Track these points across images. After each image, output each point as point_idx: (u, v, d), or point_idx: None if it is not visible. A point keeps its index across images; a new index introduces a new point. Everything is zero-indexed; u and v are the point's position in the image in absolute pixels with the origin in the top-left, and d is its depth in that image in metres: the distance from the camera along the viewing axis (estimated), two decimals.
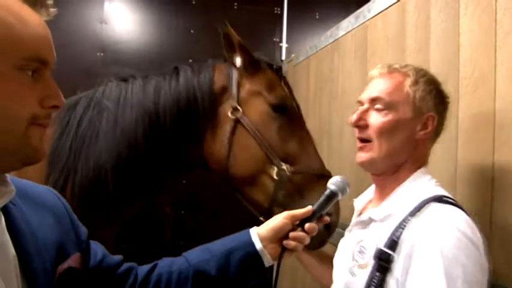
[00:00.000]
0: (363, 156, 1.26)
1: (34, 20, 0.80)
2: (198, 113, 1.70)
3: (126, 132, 1.66)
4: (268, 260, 1.16)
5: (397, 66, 1.27)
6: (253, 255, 1.14)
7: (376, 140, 1.23)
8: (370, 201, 1.38)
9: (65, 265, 0.93)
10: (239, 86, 1.76)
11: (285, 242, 1.17)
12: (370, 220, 1.24)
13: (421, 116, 1.22)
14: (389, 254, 1.08)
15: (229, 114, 1.70)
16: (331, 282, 1.42)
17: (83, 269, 1.00)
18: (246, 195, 1.74)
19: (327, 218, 1.26)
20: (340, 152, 2.25)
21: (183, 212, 3.08)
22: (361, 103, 1.30)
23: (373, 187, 1.39)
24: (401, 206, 1.17)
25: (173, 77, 1.77)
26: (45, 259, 0.89)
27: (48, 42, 0.83)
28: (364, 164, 1.28)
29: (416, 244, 1.04)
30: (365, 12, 2.06)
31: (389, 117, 1.22)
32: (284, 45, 3.34)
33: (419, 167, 1.24)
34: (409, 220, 1.10)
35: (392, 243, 1.09)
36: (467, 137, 1.37)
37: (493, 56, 1.27)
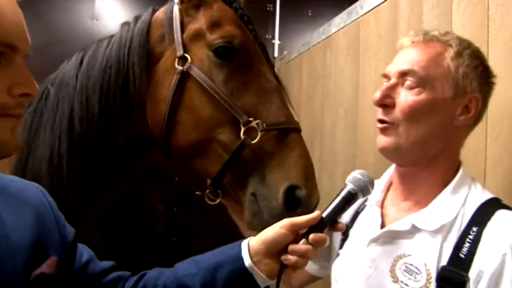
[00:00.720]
0: (384, 140, 1.03)
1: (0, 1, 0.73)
2: (129, 77, 1.38)
3: (59, 119, 1.42)
4: (262, 279, 0.97)
5: (435, 33, 1.04)
6: (242, 272, 0.97)
7: (403, 123, 1.00)
8: (384, 201, 1.13)
9: (38, 271, 0.85)
10: (183, 27, 1.38)
11: (282, 257, 0.96)
12: (415, 230, 0.99)
13: (463, 97, 0.99)
14: (463, 276, 0.87)
15: (176, 65, 1.33)
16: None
17: (58, 274, 0.90)
18: (197, 166, 1.38)
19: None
20: (333, 149, 2.25)
21: (175, 209, 3.07)
22: (387, 77, 1.06)
23: (380, 182, 1.17)
24: (452, 213, 0.96)
25: (111, 39, 1.46)
26: (17, 262, 0.82)
27: (17, 26, 0.75)
28: (386, 151, 1.03)
29: (508, 263, 0.85)
30: (357, 8, 2.06)
31: (423, 96, 0.98)
32: (276, 42, 3.32)
33: (456, 161, 1.05)
34: (474, 232, 0.91)
35: (461, 262, 0.89)
36: None
37: (485, 52, 1.26)
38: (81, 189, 1.42)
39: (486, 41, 1.27)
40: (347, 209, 1.00)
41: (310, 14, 3.39)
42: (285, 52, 3.10)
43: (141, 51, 1.38)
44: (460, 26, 1.38)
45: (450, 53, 1.00)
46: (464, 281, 0.87)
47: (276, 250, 0.97)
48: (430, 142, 1.00)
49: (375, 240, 1.06)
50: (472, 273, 0.87)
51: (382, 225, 1.08)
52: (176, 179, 2.99)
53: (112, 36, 1.50)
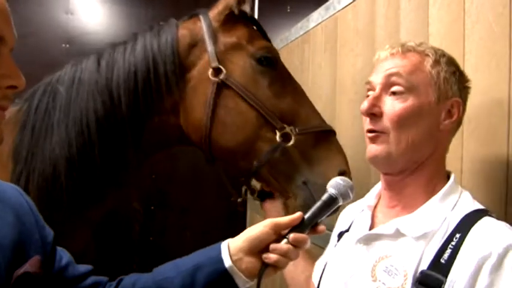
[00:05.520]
0: (375, 149, 1.03)
1: None
2: (161, 82, 1.46)
3: (77, 117, 1.44)
4: (242, 281, 0.97)
5: (411, 44, 1.07)
6: (222, 273, 0.96)
7: (393, 131, 1.01)
8: (376, 206, 1.15)
9: (21, 270, 0.84)
10: (215, 42, 1.50)
11: (264, 255, 0.96)
12: (399, 234, 1.01)
13: (446, 101, 1.02)
14: (440, 280, 0.88)
15: (211, 77, 1.45)
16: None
17: (42, 273, 0.90)
18: (233, 167, 1.52)
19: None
20: None
21: (152, 207, 3.03)
22: (371, 86, 1.08)
23: (375, 188, 1.19)
24: (437, 221, 0.97)
25: (129, 46, 1.53)
26: (0, 263, 0.81)
27: (4, 18, 0.77)
28: (377, 159, 1.04)
29: (482, 273, 0.84)
30: (335, 3, 2.04)
31: (410, 102, 1.00)
32: None
33: (442, 168, 1.07)
34: (456, 238, 0.91)
35: (441, 267, 0.90)
36: None
37: (461, 45, 1.26)
38: (102, 187, 1.50)
39: (462, 35, 1.26)
40: (328, 212, 1.02)
41: (289, 10, 3.38)
42: None
43: (175, 60, 1.47)
44: (437, 19, 1.37)
45: (429, 61, 1.03)
46: (440, 284, 0.87)
47: (258, 249, 0.98)
48: (419, 148, 1.02)
49: (360, 241, 1.08)
50: (449, 278, 0.87)
51: (371, 228, 1.10)
52: (153, 176, 2.96)
53: (125, 42, 1.55)
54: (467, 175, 1.24)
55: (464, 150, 1.25)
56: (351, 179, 1.30)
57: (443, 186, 1.03)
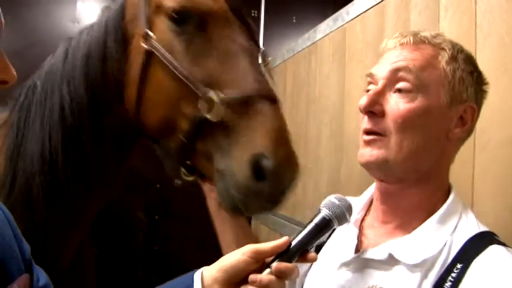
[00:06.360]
0: (370, 153, 0.89)
1: None
2: (107, 62, 1.30)
3: (48, 112, 1.34)
4: None
5: (426, 34, 0.92)
6: None
7: (395, 135, 0.87)
8: (364, 220, 1.01)
9: None
10: (149, 3, 1.28)
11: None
12: (392, 261, 0.87)
13: (459, 105, 0.89)
14: None
15: (142, 44, 1.24)
16: None
17: None
18: (165, 147, 1.29)
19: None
20: (318, 157, 2.22)
21: (156, 217, 3.02)
22: (373, 79, 0.94)
23: (361, 199, 1.05)
24: (436, 246, 0.84)
25: (94, 26, 1.38)
26: None
27: None
28: (371, 165, 0.90)
29: None
30: (343, 15, 2.05)
31: (417, 103, 0.86)
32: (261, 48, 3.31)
33: (446, 182, 0.94)
34: (457, 269, 0.80)
35: None
36: None
37: None
38: (78, 184, 1.34)
39: (474, 48, 1.25)
40: (320, 237, 0.87)
41: (294, 20, 3.39)
42: (269, 58, 3.08)
43: (116, 34, 1.31)
44: (448, 33, 1.36)
45: (444, 56, 0.90)
46: None
47: (236, 279, 0.84)
48: (422, 156, 0.89)
49: (346, 265, 0.94)
50: None
51: (357, 249, 0.96)
52: (158, 186, 2.95)
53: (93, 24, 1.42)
54: (479, 190, 1.22)
55: (476, 163, 1.24)
56: (280, 161, 1.06)
57: (445, 202, 0.91)
